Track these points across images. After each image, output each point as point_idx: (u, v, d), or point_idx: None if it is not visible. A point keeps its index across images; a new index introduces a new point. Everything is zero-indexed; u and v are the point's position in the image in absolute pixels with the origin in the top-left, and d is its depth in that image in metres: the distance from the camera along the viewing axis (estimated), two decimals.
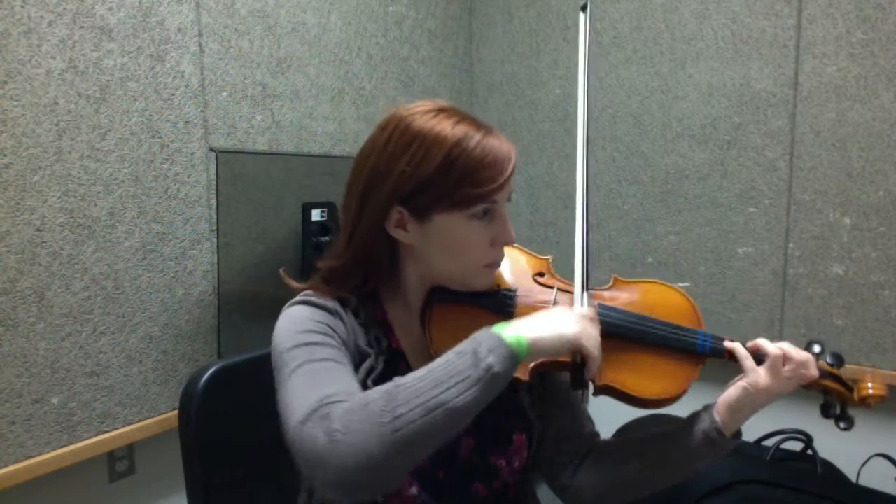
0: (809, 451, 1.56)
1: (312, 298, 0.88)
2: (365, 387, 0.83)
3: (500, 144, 0.85)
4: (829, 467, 1.55)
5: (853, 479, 1.58)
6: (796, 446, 1.59)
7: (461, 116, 0.86)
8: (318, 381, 0.77)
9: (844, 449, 1.65)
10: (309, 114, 1.79)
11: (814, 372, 0.90)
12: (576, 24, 2.13)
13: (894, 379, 1.68)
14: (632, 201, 2.07)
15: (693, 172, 1.95)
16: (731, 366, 0.93)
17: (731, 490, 1.40)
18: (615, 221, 2.11)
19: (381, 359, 0.87)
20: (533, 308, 0.91)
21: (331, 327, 0.85)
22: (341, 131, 1.87)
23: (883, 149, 1.67)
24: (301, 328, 0.83)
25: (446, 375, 0.70)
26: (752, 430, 1.66)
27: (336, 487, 0.69)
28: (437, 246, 0.87)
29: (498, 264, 0.91)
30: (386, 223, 0.86)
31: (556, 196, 2.23)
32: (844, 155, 1.72)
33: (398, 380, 0.72)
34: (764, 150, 1.84)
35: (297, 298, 0.89)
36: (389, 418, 0.68)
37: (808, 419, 1.74)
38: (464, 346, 0.73)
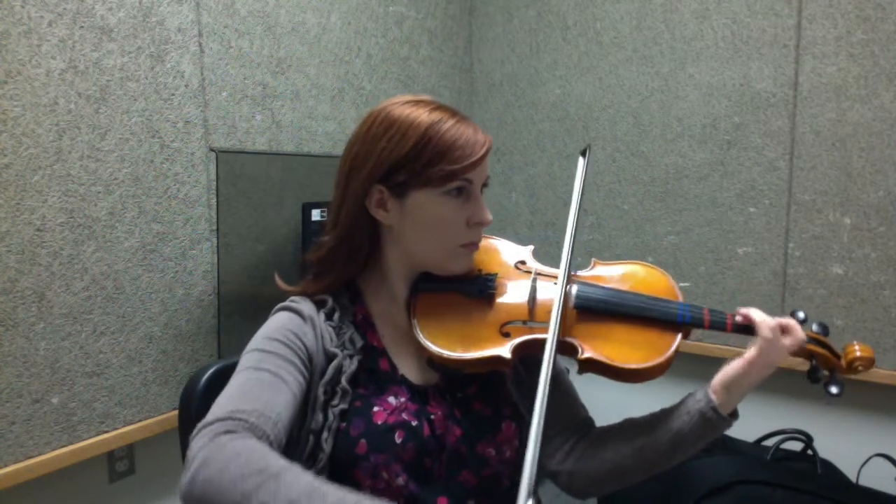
0: (809, 451, 1.56)
1: (292, 304, 0.94)
2: (336, 385, 0.88)
3: (473, 132, 0.90)
4: (829, 467, 1.55)
5: (853, 479, 1.58)
6: (796, 446, 1.59)
7: (437, 106, 0.92)
8: (246, 392, 0.81)
9: (844, 449, 1.66)
10: (309, 114, 1.79)
11: (801, 335, 0.92)
12: (576, 24, 2.13)
13: (894, 379, 1.69)
14: (632, 201, 2.07)
15: (693, 172, 1.95)
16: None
17: (731, 490, 1.40)
18: (615, 221, 2.11)
19: (355, 359, 0.91)
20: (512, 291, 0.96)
21: (298, 336, 0.89)
22: (341, 131, 1.87)
23: (883, 149, 1.67)
24: (268, 334, 0.89)
25: (313, 499, 0.67)
26: (752, 430, 1.67)
27: (181, 497, 0.72)
28: (414, 224, 0.91)
29: (475, 246, 0.95)
30: (367, 202, 0.91)
31: (556, 196, 2.23)
32: (844, 155, 1.72)
33: (289, 470, 0.70)
34: (764, 150, 1.84)
35: (281, 304, 0.95)
36: (247, 487, 0.68)
37: (809, 419, 1.75)
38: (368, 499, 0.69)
